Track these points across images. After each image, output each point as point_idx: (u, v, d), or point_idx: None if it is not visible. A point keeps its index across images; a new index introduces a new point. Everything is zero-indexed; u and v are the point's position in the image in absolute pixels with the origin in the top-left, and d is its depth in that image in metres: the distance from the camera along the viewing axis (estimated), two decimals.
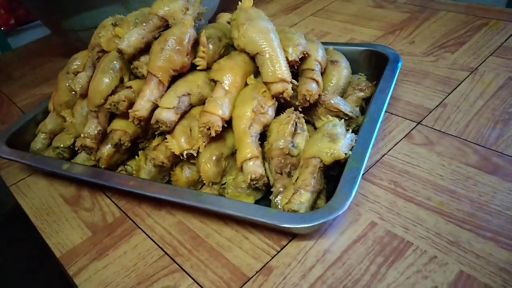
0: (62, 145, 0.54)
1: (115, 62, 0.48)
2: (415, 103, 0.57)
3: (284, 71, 0.46)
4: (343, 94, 0.54)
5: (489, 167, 0.46)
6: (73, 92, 0.53)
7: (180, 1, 0.47)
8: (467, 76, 0.59)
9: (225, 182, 0.46)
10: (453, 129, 0.51)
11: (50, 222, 0.51)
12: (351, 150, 0.43)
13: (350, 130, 0.44)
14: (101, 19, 0.72)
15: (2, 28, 1.56)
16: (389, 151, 0.50)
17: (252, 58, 0.48)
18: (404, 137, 0.52)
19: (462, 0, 0.83)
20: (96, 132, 0.48)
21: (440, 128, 0.52)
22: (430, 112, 0.55)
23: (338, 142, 0.42)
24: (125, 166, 0.51)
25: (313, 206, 0.42)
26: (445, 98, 0.56)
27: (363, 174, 0.47)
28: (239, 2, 0.52)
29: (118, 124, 0.49)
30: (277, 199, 0.42)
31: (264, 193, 0.46)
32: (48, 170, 0.52)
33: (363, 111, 0.52)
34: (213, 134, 0.44)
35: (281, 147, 0.44)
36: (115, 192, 0.52)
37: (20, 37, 1.64)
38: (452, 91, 0.57)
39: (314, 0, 0.91)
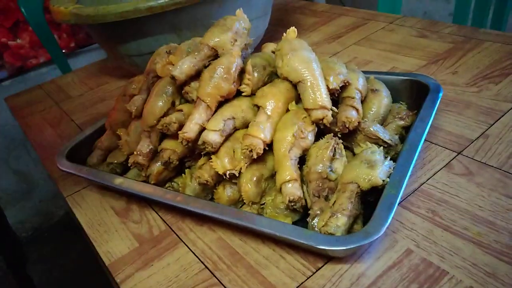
0: (116, 161, 0.59)
1: (168, 87, 0.53)
2: (456, 133, 0.57)
3: (324, 99, 0.48)
4: (383, 122, 0.55)
5: None
6: (129, 113, 0.58)
7: (229, 33, 0.51)
8: (511, 108, 0.59)
9: (264, 203, 0.49)
10: (494, 161, 0.51)
11: (101, 232, 0.54)
12: (388, 177, 0.44)
13: (389, 158, 0.46)
14: (156, 45, 0.77)
15: (64, 51, 1.69)
16: (428, 180, 0.51)
17: (294, 86, 0.51)
18: (443, 166, 0.52)
19: (509, 31, 0.82)
20: (148, 150, 0.52)
21: (481, 159, 0.52)
22: (472, 143, 0.55)
23: (376, 168, 0.43)
24: (172, 183, 0.55)
25: (350, 231, 0.43)
26: (487, 129, 0.56)
27: (401, 202, 0.48)
28: (284, 33, 0.55)
29: (168, 144, 0.52)
30: (314, 221, 0.44)
31: (301, 215, 0.48)
32: (102, 183, 0.56)
33: (403, 139, 0.53)
34: (255, 156, 0.46)
35: (319, 171, 0.46)
36: (162, 206, 0.55)
37: (79, 58, 1.76)
38: (494, 122, 0.57)
39: (358, 29, 0.93)
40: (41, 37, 1.38)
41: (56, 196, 2.04)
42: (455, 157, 0.53)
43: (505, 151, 0.52)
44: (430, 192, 0.49)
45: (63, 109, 0.89)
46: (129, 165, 0.53)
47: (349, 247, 0.38)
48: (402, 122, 0.55)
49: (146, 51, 0.79)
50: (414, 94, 0.60)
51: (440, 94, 0.55)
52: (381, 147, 0.48)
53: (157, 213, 0.55)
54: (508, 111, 0.59)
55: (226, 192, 0.51)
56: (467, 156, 0.53)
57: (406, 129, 0.55)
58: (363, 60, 0.81)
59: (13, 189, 1.86)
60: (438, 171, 0.52)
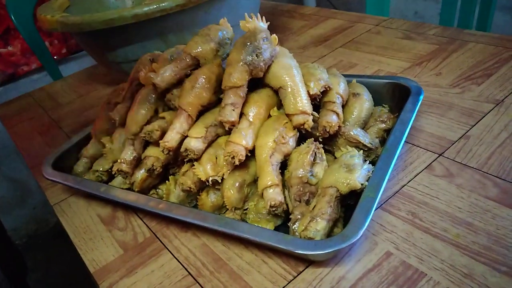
0: (101, 169, 0.59)
1: (151, 94, 0.53)
2: (437, 134, 0.57)
3: (305, 104, 0.49)
4: (365, 125, 0.55)
5: (508, 201, 0.46)
6: (112, 121, 0.58)
7: (212, 44, 0.51)
8: (492, 109, 0.60)
9: (247, 208, 0.49)
10: (475, 162, 0.52)
11: (86, 240, 0.55)
12: (367, 180, 0.44)
13: (368, 161, 0.46)
14: (143, 52, 0.78)
15: (55, 57, 1.69)
16: (409, 182, 0.51)
17: (276, 92, 0.52)
18: (424, 168, 0.53)
19: (494, 32, 0.83)
20: (131, 158, 0.53)
21: (462, 160, 0.53)
22: (453, 144, 0.55)
23: (355, 172, 0.44)
24: (157, 190, 0.55)
25: (330, 234, 0.43)
26: (468, 130, 0.57)
27: (381, 204, 0.49)
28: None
29: (151, 151, 0.53)
30: (294, 226, 0.45)
31: (283, 220, 0.49)
32: (88, 191, 0.56)
33: (384, 142, 0.54)
34: (237, 163, 0.47)
35: (300, 176, 0.47)
36: (147, 214, 0.56)
37: (71, 64, 1.77)
38: (476, 123, 0.58)
39: (345, 32, 0.93)
40: (31, 45, 1.38)
41: (49, 203, 2.04)
42: (436, 158, 0.54)
43: (485, 152, 0.53)
44: (410, 194, 0.50)
45: (52, 117, 0.89)
46: (113, 173, 0.54)
47: (327, 251, 0.38)
48: (383, 125, 0.55)
49: (133, 58, 0.79)
50: (396, 97, 0.60)
51: (421, 97, 0.56)
52: (361, 151, 0.49)
53: (142, 220, 0.55)
54: (489, 112, 0.59)
55: (209, 198, 0.51)
56: (448, 158, 0.53)
57: (388, 132, 0.55)
58: (349, 63, 0.81)
59: (7, 196, 1.86)
60: (419, 173, 0.52)
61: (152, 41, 0.77)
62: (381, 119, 0.55)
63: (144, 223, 0.55)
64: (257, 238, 0.42)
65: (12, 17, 1.30)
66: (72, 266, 1.78)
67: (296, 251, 0.39)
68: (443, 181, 0.50)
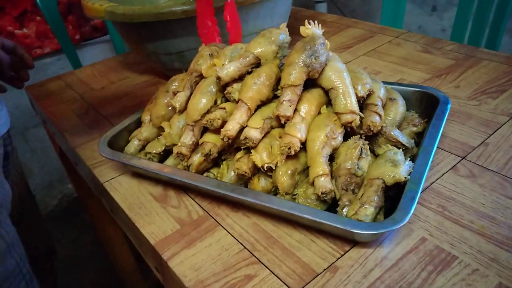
0: (154, 151, 0.64)
1: (212, 86, 0.59)
2: (460, 140, 0.65)
3: (354, 105, 0.55)
4: (399, 127, 0.62)
5: None
6: (170, 108, 0.63)
7: (274, 46, 0.57)
8: (507, 121, 0.67)
9: (296, 193, 0.55)
10: (494, 166, 0.59)
11: (142, 215, 0.60)
12: (409, 175, 0.51)
13: (408, 159, 0.53)
14: (183, 46, 0.83)
15: None
16: (437, 180, 0.58)
17: (326, 92, 0.58)
18: (450, 169, 0.60)
19: (503, 51, 0.91)
20: (191, 142, 0.58)
21: (482, 163, 0.60)
22: (474, 150, 0.62)
23: (399, 167, 0.50)
24: (209, 173, 0.61)
25: (374, 220, 0.50)
26: (487, 138, 0.64)
27: None
28: None
29: (209, 138, 0.58)
30: (343, 210, 0.51)
31: (328, 205, 0.55)
32: (149, 171, 0.61)
33: (415, 143, 0.60)
34: (293, 153, 0.53)
35: (349, 167, 0.53)
36: (198, 194, 0.61)
37: (83, 51, 1.80)
38: (493, 133, 0.65)
39: (366, 41, 1.00)
40: (52, 27, 1.41)
41: (50, 185, 2.06)
42: (459, 161, 0.61)
43: (503, 158, 0.60)
44: (439, 190, 0.56)
45: (88, 101, 0.93)
46: (173, 155, 0.59)
47: (380, 231, 0.45)
48: (415, 128, 0.62)
49: (174, 50, 0.85)
50: (423, 104, 0.67)
51: (449, 106, 0.63)
52: (400, 149, 0.55)
53: (193, 200, 0.61)
54: (505, 123, 0.67)
55: (260, 183, 0.57)
56: (470, 161, 0.60)
57: (418, 134, 0.62)
58: (373, 70, 0.88)
59: None
60: (446, 172, 0.59)
61: (194, 36, 0.82)
62: (413, 123, 0.62)
63: (196, 202, 0.60)
64: (317, 218, 0.48)
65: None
66: (73, 248, 1.81)
67: (354, 230, 0.45)
68: (467, 180, 0.57)
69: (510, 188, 0.55)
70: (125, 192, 0.65)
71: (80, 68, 1.11)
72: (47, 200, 2.06)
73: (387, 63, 0.90)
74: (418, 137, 0.62)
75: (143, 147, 0.67)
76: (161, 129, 0.64)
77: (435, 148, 0.55)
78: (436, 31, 1.80)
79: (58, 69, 1.78)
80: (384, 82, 0.66)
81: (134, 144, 0.66)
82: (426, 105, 0.66)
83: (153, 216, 0.59)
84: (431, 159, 0.53)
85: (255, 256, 0.51)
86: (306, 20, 0.57)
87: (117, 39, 1.51)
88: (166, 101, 0.64)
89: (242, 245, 0.53)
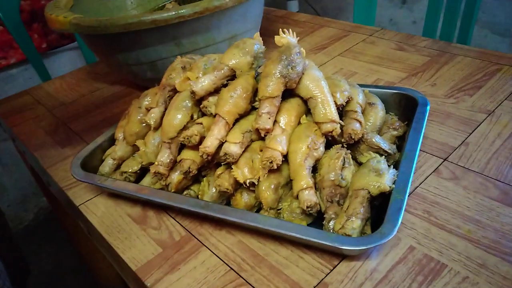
0: (130, 170, 0.61)
1: (187, 101, 0.56)
2: (440, 141, 0.64)
3: (333, 113, 0.54)
4: (379, 132, 0.61)
5: (509, 201, 0.53)
6: (144, 124, 0.61)
7: (249, 57, 0.55)
8: (485, 118, 0.67)
9: (281, 208, 0.54)
10: (476, 166, 0.59)
11: (122, 239, 0.57)
12: (394, 183, 0.50)
13: (392, 166, 0.52)
14: (155, 55, 0.81)
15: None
16: (420, 184, 0.58)
17: (304, 101, 0.56)
18: (433, 171, 0.59)
19: (475, 42, 0.92)
20: (168, 160, 0.56)
21: (464, 164, 0.59)
22: (454, 150, 0.62)
23: (384, 176, 0.49)
24: (189, 190, 0.59)
25: (361, 232, 0.49)
26: (467, 137, 0.64)
27: None
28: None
29: (187, 154, 0.56)
30: (330, 224, 0.50)
31: (314, 218, 0.54)
32: (127, 194, 0.58)
33: (397, 147, 0.60)
34: (275, 167, 0.51)
35: (332, 179, 0.52)
36: (178, 213, 0.59)
37: (51, 59, 1.73)
38: (472, 131, 0.65)
39: (340, 41, 0.99)
40: (16, 37, 1.36)
41: (25, 199, 1.99)
42: (441, 163, 0.60)
43: (484, 157, 0.60)
44: (424, 195, 0.56)
45: (57, 116, 0.90)
46: (151, 175, 0.56)
47: (369, 246, 0.44)
48: (395, 132, 0.61)
49: (145, 60, 0.82)
50: (402, 106, 0.66)
51: (428, 108, 0.62)
52: (383, 156, 0.54)
53: (174, 219, 0.58)
54: (483, 121, 0.67)
55: (243, 198, 0.55)
56: (452, 162, 0.60)
57: (399, 138, 0.61)
58: (349, 71, 0.87)
59: None
60: (429, 176, 0.59)
61: (166, 45, 0.79)
62: (393, 127, 0.61)
63: (177, 222, 0.58)
64: (306, 236, 0.46)
65: None
66: (52, 262, 1.76)
67: (343, 247, 0.44)
68: (450, 183, 0.57)
69: (492, 188, 0.55)
70: (102, 214, 0.62)
71: (48, 81, 1.07)
72: (22, 215, 1.99)
73: (363, 63, 0.89)
74: (399, 140, 0.62)
75: (118, 166, 0.64)
76: (136, 147, 0.62)
77: (417, 154, 0.54)
78: (407, 23, 1.81)
79: (25, 80, 1.71)
80: (362, 85, 0.65)
81: (108, 163, 0.64)
82: (405, 107, 0.66)
83: (133, 240, 0.57)
84: (414, 166, 0.52)
85: (242, 277, 0.49)
86: (281, 29, 0.55)
87: (85, 46, 1.46)
88: (139, 117, 0.61)
89: (228, 265, 0.51)
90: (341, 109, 0.58)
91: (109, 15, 1.00)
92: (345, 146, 0.56)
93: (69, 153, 0.77)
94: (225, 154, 0.53)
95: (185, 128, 0.56)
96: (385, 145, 0.56)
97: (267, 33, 1.10)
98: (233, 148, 0.53)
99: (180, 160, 0.56)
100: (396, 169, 0.52)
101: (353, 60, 0.91)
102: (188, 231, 0.56)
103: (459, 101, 0.72)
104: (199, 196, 0.57)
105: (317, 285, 0.47)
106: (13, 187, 1.91)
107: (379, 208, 0.52)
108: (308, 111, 0.57)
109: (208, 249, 0.54)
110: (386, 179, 0.49)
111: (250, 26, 0.87)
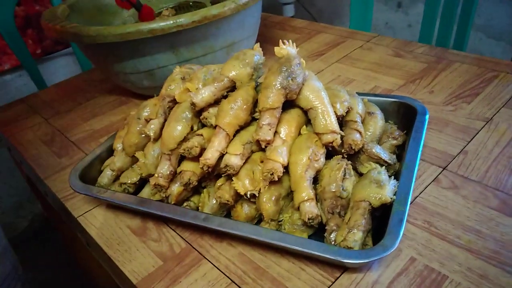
0: (129, 181, 0.61)
1: (186, 112, 0.56)
2: (439, 149, 0.65)
3: (334, 124, 0.54)
4: (379, 141, 0.61)
5: (508, 210, 0.53)
6: (143, 135, 0.60)
7: (249, 68, 0.55)
8: (483, 126, 0.67)
9: (282, 220, 0.54)
10: (475, 175, 0.59)
11: (122, 251, 0.57)
12: (394, 194, 0.50)
13: (393, 177, 0.52)
14: (153, 64, 0.80)
15: None
16: (420, 193, 0.58)
17: (305, 112, 0.56)
18: (432, 181, 0.59)
19: (471, 47, 0.92)
20: (168, 172, 0.55)
21: (463, 173, 0.60)
22: (454, 159, 0.62)
23: (385, 188, 0.49)
24: (189, 202, 0.58)
25: (363, 244, 0.49)
26: (465, 145, 0.64)
27: None
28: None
29: (187, 166, 0.56)
30: (331, 236, 0.50)
31: (315, 230, 0.53)
32: (128, 206, 0.58)
33: (396, 156, 0.60)
34: (276, 179, 0.51)
35: (333, 190, 0.52)
36: (178, 224, 0.59)
37: (45, 65, 1.72)
38: (471, 140, 0.65)
39: (338, 47, 1.00)
40: (10, 43, 1.35)
41: (19, 206, 1.97)
42: (441, 172, 0.61)
43: (483, 166, 0.60)
44: (423, 205, 0.56)
45: (54, 125, 0.89)
46: (150, 186, 0.56)
47: (371, 259, 0.44)
48: (395, 142, 0.61)
49: (143, 69, 0.81)
50: (401, 114, 0.66)
51: (427, 116, 0.62)
52: (383, 167, 0.54)
53: (174, 231, 0.58)
54: (481, 129, 0.67)
55: (243, 210, 0.55)
56: (451, 171, 0.60)
57: (398, 147, 0.62)
58: (346, 78, 0.87)
59: None
60: (428, 185, 0.59)
61: (164, 54, 0.79)
62: (392, 136, 0.62)
63: (177, 233, 0.58)
64: (308, 249, 0.46)
65: None
66: (47, 270, 1.75)
67: (346, 261, 0.44)
68: (450, 192, 0.57)
69: (492, 198, 0.55)
70: (101, 226, 0.61)
71: (44, 89, 1.06)
72: (17, 222, 1.97)
73: (360, 70, 0.89)
74: (399, 149, 0.62)
75: (117, 177, 0.64)
76: (134, 158, 0.61)
77: (417, 164, 0.54)
78: (403, 27, 1.82)
79: (20, 86, 1.70)
80: (360, 94, 0.65)
81: (107, 175, 0.63)
82: (404, 115, 0.66)
83: (133, 252, 0.56)
84: (414, 176, 0.52)
85: None
86: (280, 40, 0.55)
87: (80, 51, 1.45)
88: (138, 128, 0.61)
89: (230, 278, 0.51)
90: (341, 119, 0.58)
91: (106, 22, 1.00)
92: (345, 156, 0.56)
93: (67, 163, 0.76)
94: (226, 165, 0.53)
95: (185, 139, 0.56)
96: (385, 155, 0.56)
97: (264, 40, 1.10)
98: (233, 159, 0.53)
99: (180, 172, 0.56)
100: (397, 179, 0.52)
101: (350, 67, 0.91)
102: (188, 243, 0.56)
103: (457, 108, 0.73)
104: (199, 207, 0.57)
105: None
106: (7, 194, 1.89)
107: (380, 218, 0.52)
108: (308, 122, 0.57)
109: (209, 261, 0.53)
110: (387, 190, 0.49)
111: (248, 34, 0.87)
